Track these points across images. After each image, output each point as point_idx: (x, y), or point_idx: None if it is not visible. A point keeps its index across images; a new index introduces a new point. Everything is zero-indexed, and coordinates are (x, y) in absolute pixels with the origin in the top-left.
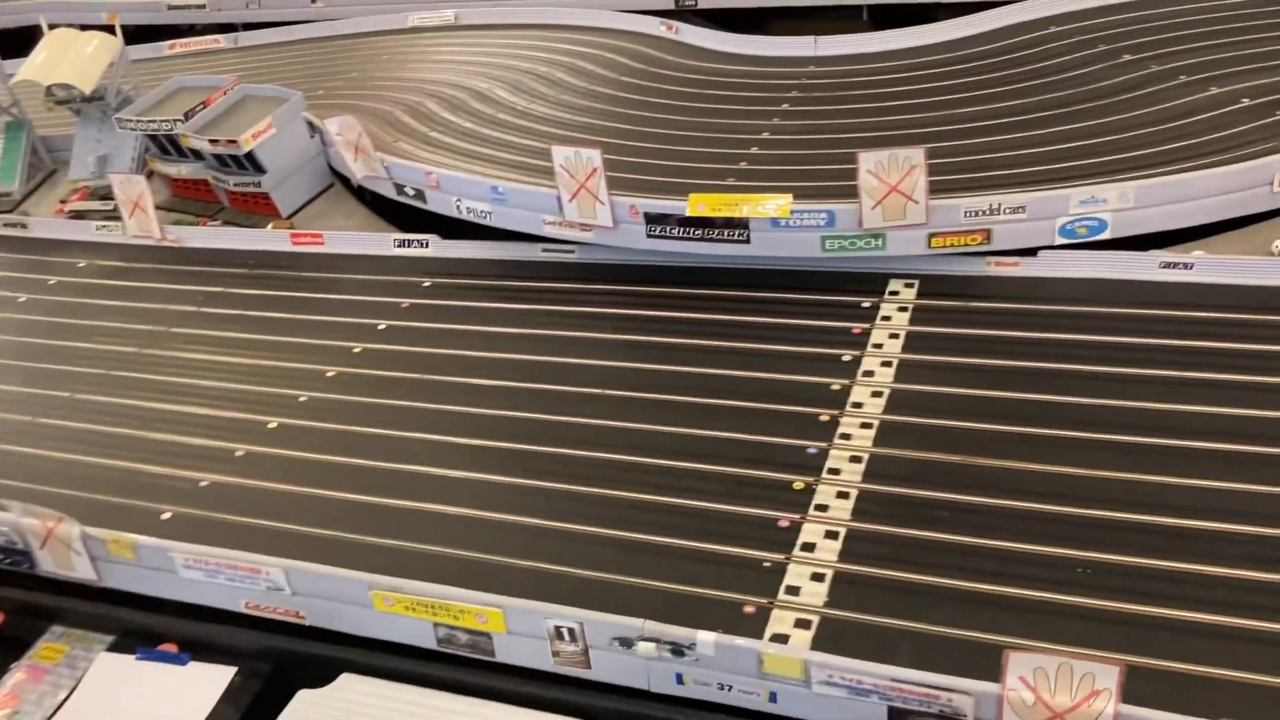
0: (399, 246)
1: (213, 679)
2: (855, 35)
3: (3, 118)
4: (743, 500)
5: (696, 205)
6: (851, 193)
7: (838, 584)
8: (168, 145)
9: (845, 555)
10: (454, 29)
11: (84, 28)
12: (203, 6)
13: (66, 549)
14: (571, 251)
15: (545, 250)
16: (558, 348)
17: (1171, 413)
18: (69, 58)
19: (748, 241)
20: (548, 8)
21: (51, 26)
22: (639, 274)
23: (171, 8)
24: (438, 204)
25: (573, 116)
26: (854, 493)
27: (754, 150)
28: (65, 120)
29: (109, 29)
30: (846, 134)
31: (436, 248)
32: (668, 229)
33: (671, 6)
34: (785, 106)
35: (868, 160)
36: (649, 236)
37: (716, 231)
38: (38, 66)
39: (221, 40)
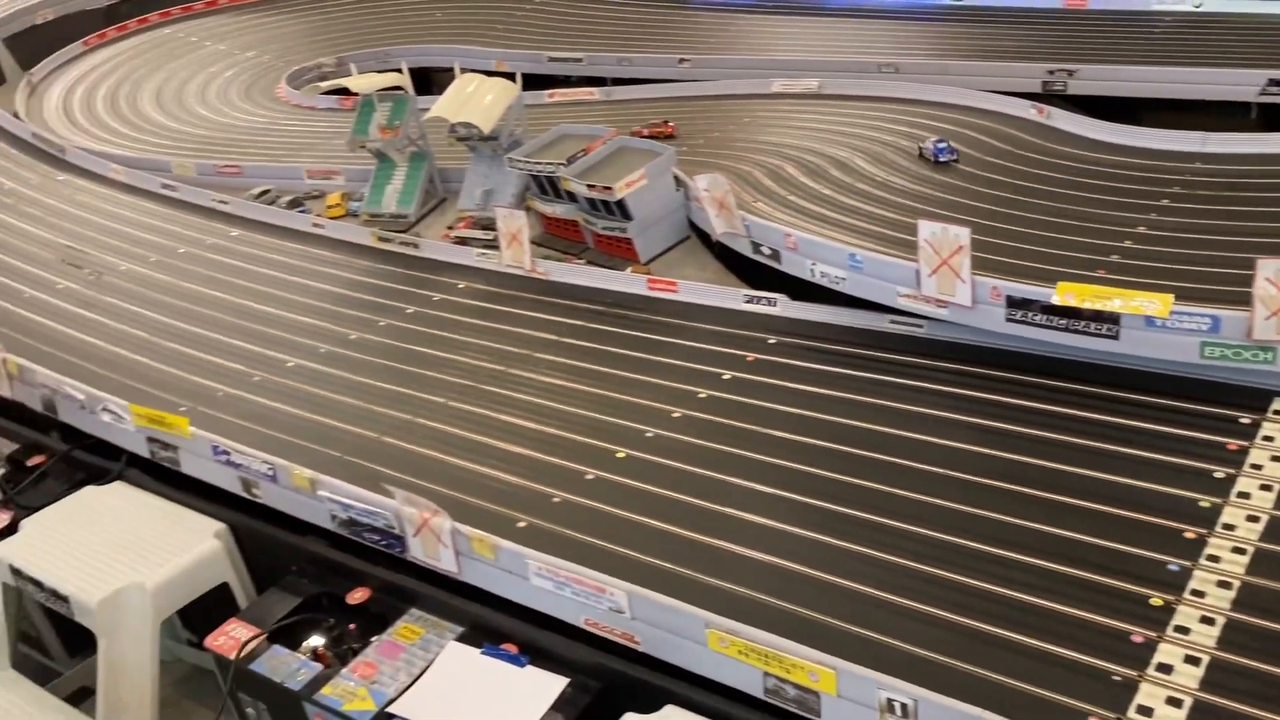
0: (748, 302)
1: (546, 686)
2: (1251, 134)
3: (410, 149)
4: (1094, 607)
5: (1065, 294)
6: (1240, 299)
7: (1198, 713)
8: (547, 186)
9: (1207, 685)
10: (816, 97)
11: (479, 73)
12: (579, 60)
13: (436, 540)
14: (920, 326)
15: (893, 322)
16: (902, 421)
17: None
18: (474, 100)
19: (1116, 338)
20: (912, 83)
21: (461, 71)
22: (991, 357)
23: (551, 60)
24: (792, 265)
25: (934, 192)
26: (1221, 620)
27: (1127, 244)
28: (458, 155)
29: (510, 76)
30: (1236, 237)
31: (784, 307)
32: (1030, 315)
33: (1038, 90)
34: (1165, 202)
35: (1267, 268)
36: (1008, 320)
37: (1083, 324)
38: (447, 106)
39: (596, 93)
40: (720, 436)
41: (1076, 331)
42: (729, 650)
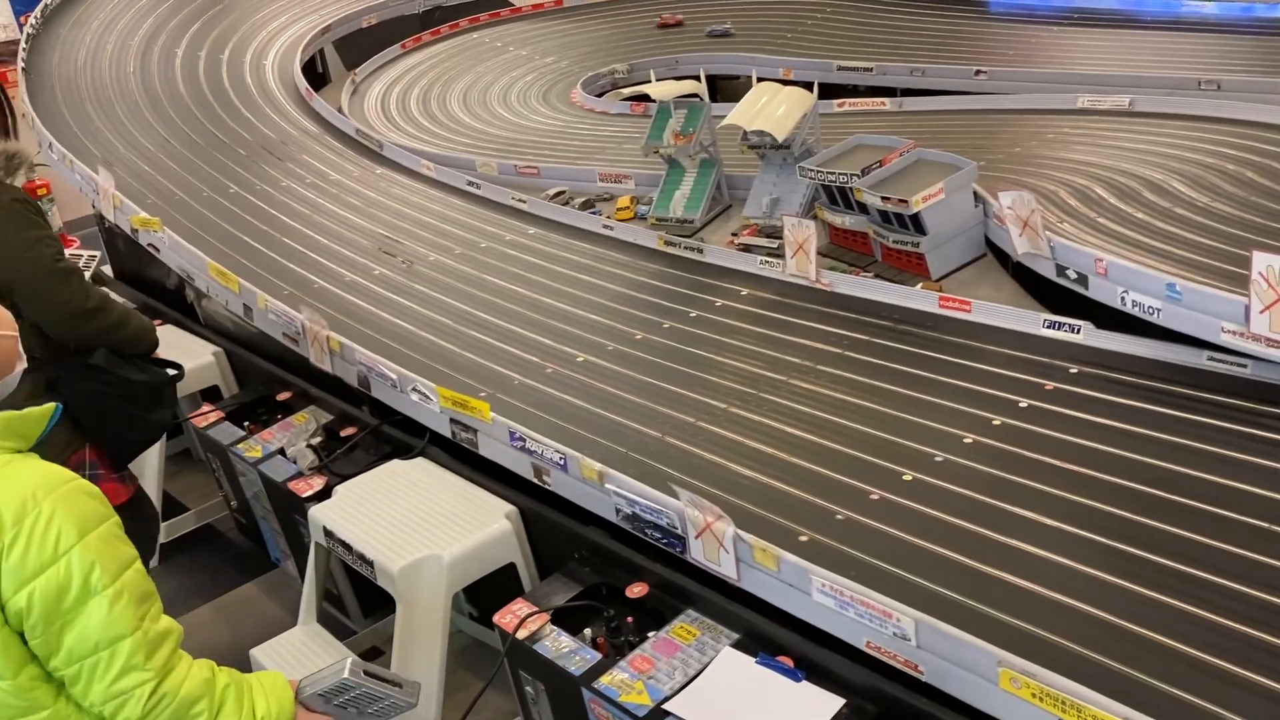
0: (1048, 327)
1: (821, 704)
2: None
3: (700, 155)
4: None
5: None
6: None
7: None
8: (837, 196)
9: None
10: (1127, 114)
11: (780, 82)
12: (870, 70)
13: (717, 545)
14: (1244, 366)
15: (1211, 359)
16: (1218, 466)
17: None
18: (769, 109)
19: None
20: (1237, 101)
21: (759, 79)
22: None
23: (841, 69)
24: (1100, 292)
25: (1264, 221)
26: None
27: None
28: (745, 162)
29: (805, 85)
30: None
31: (1088, 335)
32: None
33: None
34: None
35: None
36: None
37: None
38: (742, 114)
39: (887, 103)
40: (1015, 467)
41: None
42: (1021, 692)
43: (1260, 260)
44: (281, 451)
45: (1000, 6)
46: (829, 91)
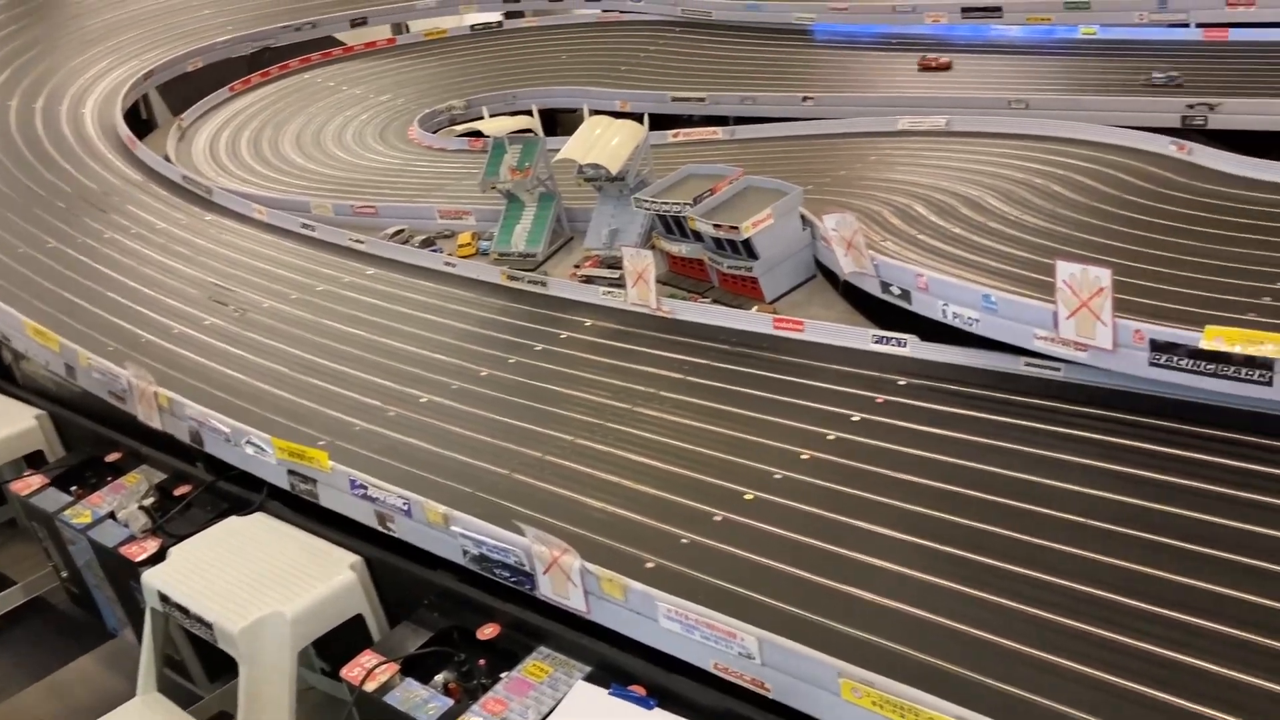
0: (877, 342)
1: None
2: None
3: (539, 189)
4: (1248, 667)
5: (1214, 338)
6: None
7: None
8: (673, 225)
9: None
10: (944, 134)
11: (604, 114)
12: (703, 100)
13: (565, 579)
14: (1057, 370)
15: (1028, 364)
16: (1035, 466)
17: None
18: (602, 142)
19: (1270, 384)
20: (1044, 119)
21: (593, 112)
22: (1132, 402)
23: (675, 100)
24: (922, 306)
25: (1070, 231)
26: None
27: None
28: (585, 194)
29: (637, 117)
30: None
31: (915, 348)
32: (1175, 359)
33: (1177, 125)
34: None
35: None
36: (1152, 364)
37: (1233, 369)
38: (576, 148)
39: (720, 132)
40: (851, 480)
41: (1225, 377)
42: (862, 701)
43: (1064, 269)
44: (112, 515)
45: (825, 34)
46: (664, 122)
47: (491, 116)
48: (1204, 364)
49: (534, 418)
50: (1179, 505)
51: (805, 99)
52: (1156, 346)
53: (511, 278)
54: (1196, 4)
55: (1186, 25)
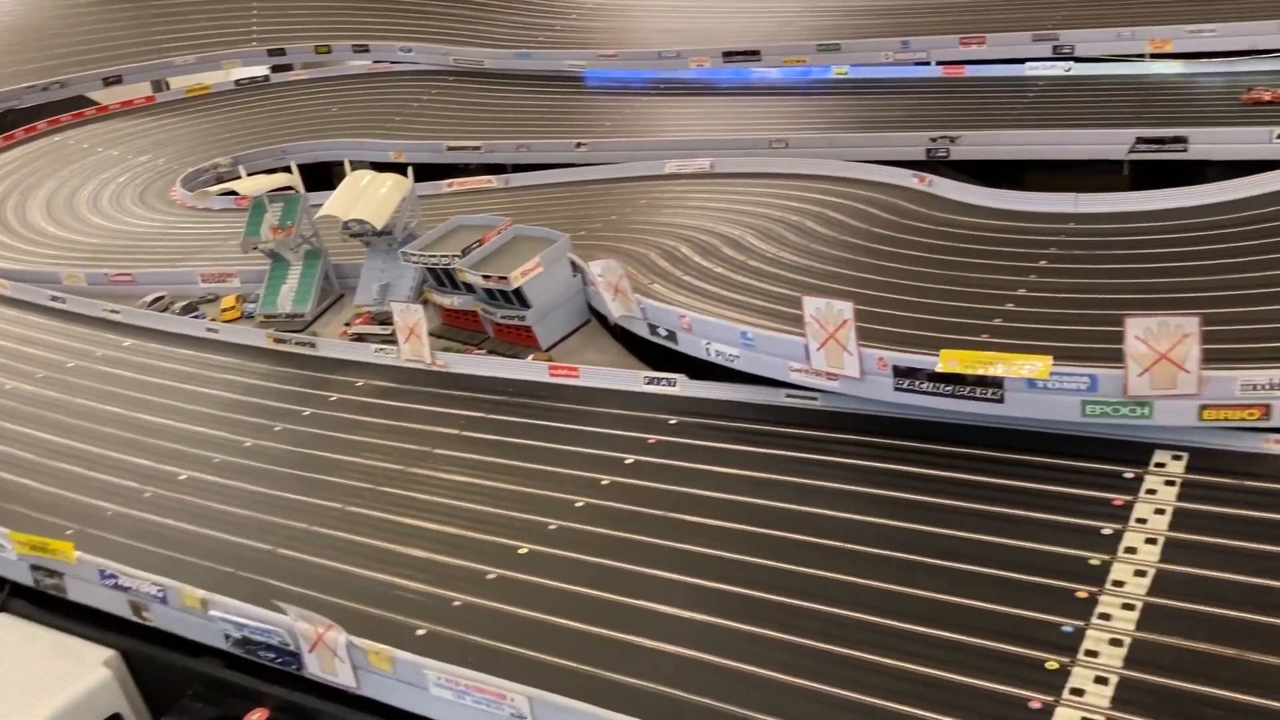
0: (648, 384)
1: None
2: (1119, 194)
3: (303, 247)
4: (992, 675)
5: (949, 362)
6: (1115, 356)
7: None
8: (444, 278)
9: None
10: (709, 176)
11: (376, 165)
12: (477, 148)
13: (332, 655)
14: (815, 399)
15: (789, 396)
16: (800, 495)
17: None
18: (366, 196)
19: (1000, 401)
20: (801, 158)
21: (353, 166)
22: (884, 426)
23: (450, 149)
24: (688, 345)
25: (823, 265)
26: (1114, 679)
27: (1009, 307)
28: (354, 250)
29: (402, 169)
30: (1107, 295)
31: (684, 387)
32: (917, 383)
33: (923, 158)
34: (1043, 264)
35: (1136, 327)
36: (896, 390)
37: (968, 389)
38: (338, 204)
39: (494, 180)
40: (624, 524)
41: (963, 397)
42: None
43: (810, 304)
44: None
45: (596, 81)
46: (441, 172)
47: (249, 175)
48: (942, 386)
49: (302, 487)
50: (931, 524)
51: (578, 145)
52: (899, 372)
53: (278, 340)
54: (935, 44)
55: (928, 64)
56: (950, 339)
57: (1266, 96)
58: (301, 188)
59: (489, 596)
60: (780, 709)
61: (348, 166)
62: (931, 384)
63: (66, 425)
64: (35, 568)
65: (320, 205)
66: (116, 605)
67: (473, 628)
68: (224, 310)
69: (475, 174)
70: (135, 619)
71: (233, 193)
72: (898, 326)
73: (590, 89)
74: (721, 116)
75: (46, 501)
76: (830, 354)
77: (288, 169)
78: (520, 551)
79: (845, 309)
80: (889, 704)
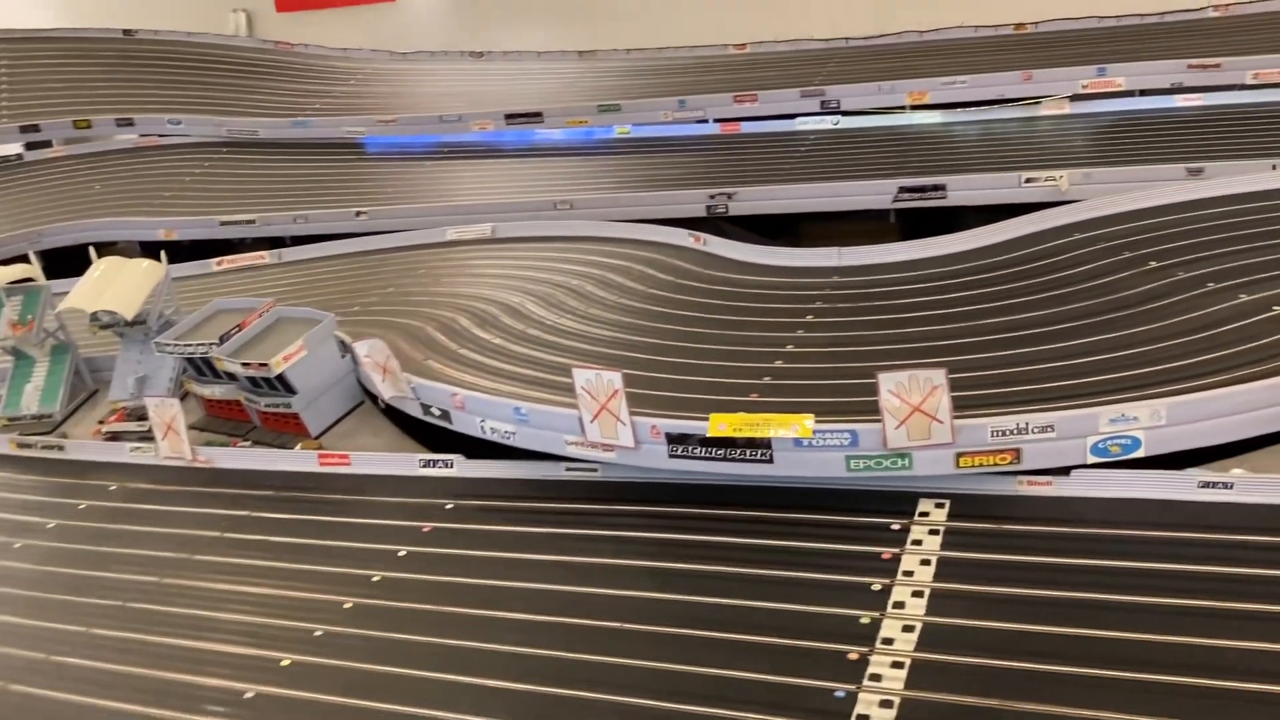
0: (424, 466)
1: None
2: (878, 246)
3: (49, 341)
4: None
5: (718, 425)
6: (874, 409)
7: None
8: (203, 367)
9: None
10: (490, 242)
11: (145, 244)
12: (252, 222)
13: None
14: (595, 470)
15: (569, 469)
16: (578, 576)
17: (1217, 650)
18: (115, 285)
19: (770, 461)
20: (582, 220)
21: (100, 249)
22: (662, 493)
23: (224, 224)
24: (463, 424)
25: (600, 331)
26: None
27: (778, 364)
28: (109, 341)
29: (156, 253)
30: (869, 346)
31: (461, 467)
32: (690, 449)
33: (703, 214)
34: (809, 319)
35: (888, 381)
36: (671, 456)
37: (739, 451)
38: (84, 295)
39: (267, 256)
40: (396, 623)
41: (735, 460)
42: None
43: (580, 376)
44: None
45: (376, 147)
46: (215, 249)
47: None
48: (715, 450)
49: (41, 611)
50: (707, 593)
51: (358, 214)
52: (672, 439)
53: (21, 445)
54: (710, 102)
55: (705, 121)
56: (722, 400)
57: None
58: (42, 277)
59: (247, 717)
60: None
61: (93, 255)
62: (704, 449)
63: None
64: None
65: (63, 295)
66: None
67: None
68: None
69: (251, 249)
70: None
71: None
72: (671, 390)
73: (371, 155)
74: (505, 179)
75: None
76: (604, 425)
77: (24, 259)
78: (283, 663)
79: (614, 379)
80: None
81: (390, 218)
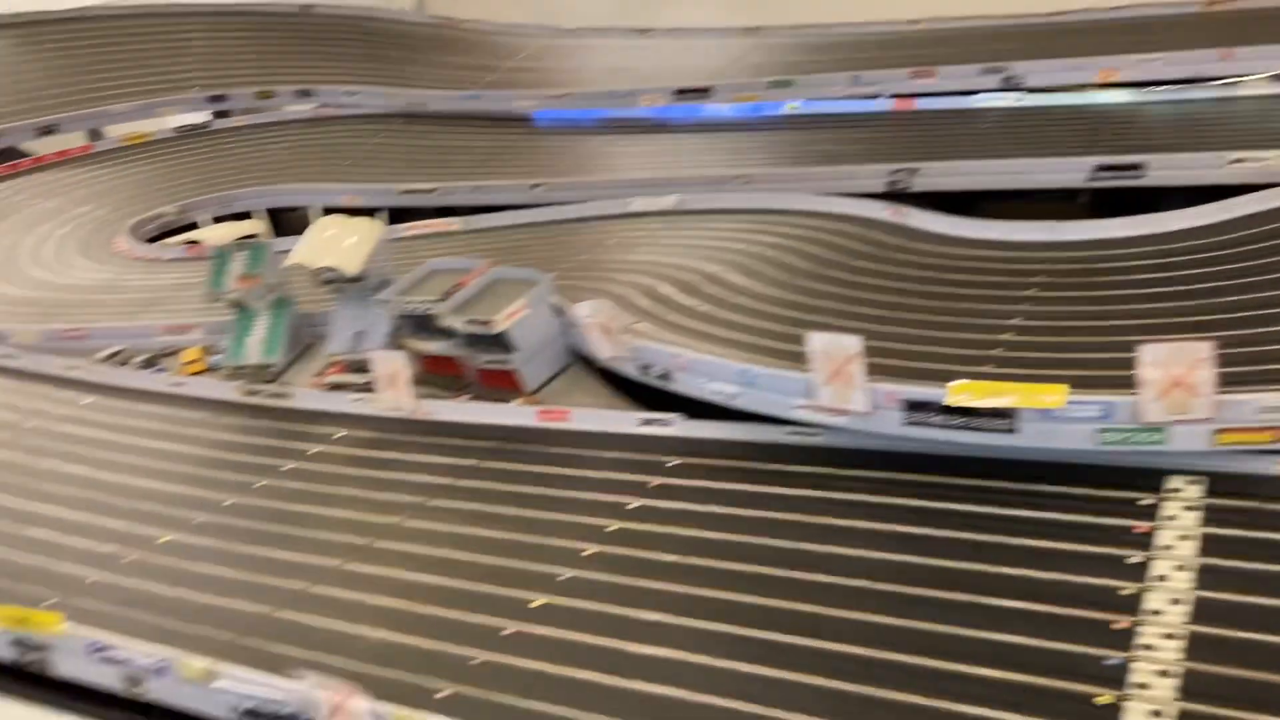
0: (643, 425)
1: None
2: (1097, 221)
3: (271, 295)
4: (1040, 713)
5: (960, 394)
6: (1122, 383)
7: None
8: (422, 324)
9: None
10: (677, 213)
11: (327, 210)
12: (432, 191)
13: None
14: (818, 435)
15: (790, 433)
16: (813, 534)
17: None
18: (336, 242)
19: (1013, 431)
20: (767, 193)
21: (327, 211)
22: (892, 460)
23: (403, 192)
24: (683, 385)
25: (808, 300)
26: (1173, 711)
27: (1007, 336)
28: (322, 297)
29: (369, 213)
30: (1107, 321)
31: (680, 427)
32: (927, 417)
33: (882, 190)
34: (1033, 292)
35: (1150, 353)
36: (906, 424)
37: (980, 421)
38: (308, 252)
39: (455, 223)
40: (636, 571)
41: (976, 429)
42: None
43: (815, 340)
44: None
45: (546, 121)
46: (392, 216)
47: (213, 222)
48: (953, 418)
49: (293, 545)
50: (950, 558)
51: (535, 185)
52: (910, 406)
53: (250, 393)
54: (886, 78)
55: (878, 97)
56: (954, 371)
57: None
58: (267, 235)
59: (509, 651)
60: None
61: (314, 212)
62: (943, 417)
63: (31, 489)
64: (16, 643)
65: (285, 253)
66: (107, 679)
67: (496, 686)
68: (187, 363)
69: (428, 218)
70: (126, 695)
71: (195, 242)
72: (899, 359)
73: (541, 130)
74: (677, 153)
75: (17, 572)
76: (837, 389)
77: (249, 215)
78: (533, 604)
79: (852, 343)
80: None
81: (566, 189)
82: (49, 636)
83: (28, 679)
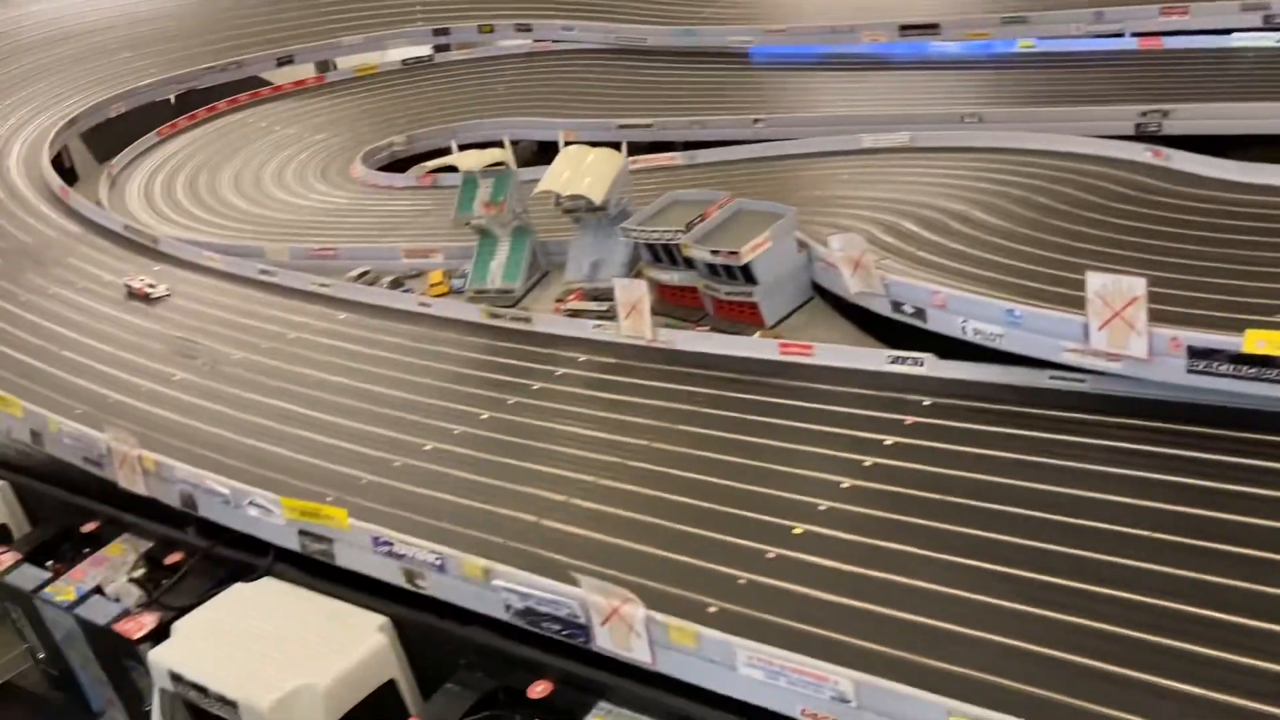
0: (892, 363)
1: None
2: None
3: (514, 223)
4: None
5: (1256, 342)
6: None
7: None
8: (662, 254)
9: None
10: (909, 150)
11: (542, 145)
12: (649, 126)
13: (627, 630)
14: (1083, 381)
15: (1053, 378)
16: (1083, 480)
17: None
18: (583, 171)
19: None
20: (1004, 131)
21: (568, 143)
22: (1168, 411)
23: (621, 127)
24: (939, 323)
25: (1066, 241)
26: None
27: None
28: (557, 226)
29: (615, 145)
30: None
31: (932, 367)
32: (1215, 365)
33: (1131, 132)
34: None
35: None
36: (1190, 372)
37: (1276, 372)
38: (555, 179)
39: (678, 158)
40: (897, 506)
41: (1269, 380)
42: None
43: (1094, 280)
44: (99, 590)
45: (762, 57)
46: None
47: (460, 150)
48: (1245, 369)
49: (549, 459)
50: (1231, 511)
51: (756, 121)
52: (1195, 353)
53: (493, 315)
54: (1131, 14)
55: (1121, 35)
56: (1240, 319)
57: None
58: (513, 163)
59: (772, 574)
60: (1100, 695)
61: (561, 143)
62: (1233, 366)
63: (299, 395)
64: (304, 534)
65: (529, 182)
66: (388, 573)
67: (763, 606)
68: (432, 285)
69: (645, 152)
70: (407, 587)
71: (448, 167)
72: (1174, 305)
73: (758, 65)
74: (902, 91)
75: (296, 469)
76: (1114, 334)
77: (500, 144)
78: (795, 531)
79: (1136, 285)
80: (1212, 693)
81: (789, 125)
82: (336, 530)
83: (311, 567)
